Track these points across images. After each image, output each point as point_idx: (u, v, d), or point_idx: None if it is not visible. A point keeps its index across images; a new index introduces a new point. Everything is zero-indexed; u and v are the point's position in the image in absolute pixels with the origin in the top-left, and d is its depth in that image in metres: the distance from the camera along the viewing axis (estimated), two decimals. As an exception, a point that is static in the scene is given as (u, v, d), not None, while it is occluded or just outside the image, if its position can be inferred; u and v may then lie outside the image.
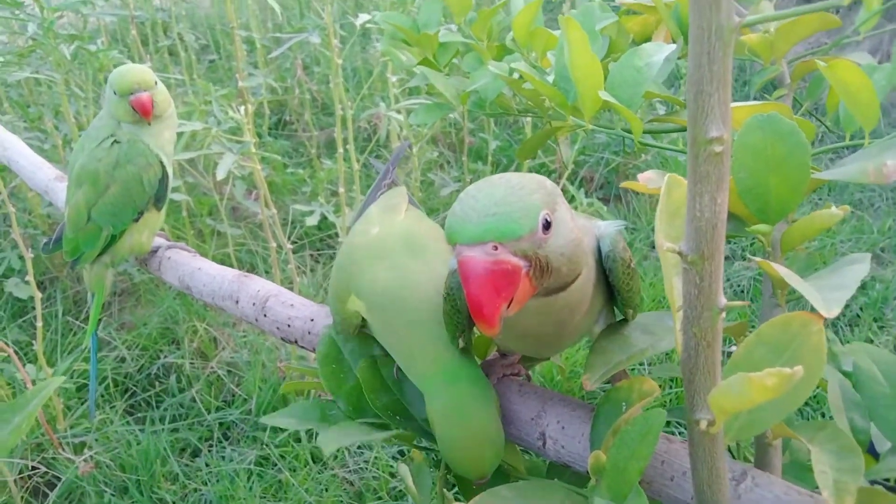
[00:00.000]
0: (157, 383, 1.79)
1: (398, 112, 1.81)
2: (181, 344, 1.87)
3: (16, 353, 1.47)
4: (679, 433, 1.41)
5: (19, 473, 1.51)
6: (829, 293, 0.45)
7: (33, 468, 1.53)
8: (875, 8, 0.69)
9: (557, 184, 1.48)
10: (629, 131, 0.68)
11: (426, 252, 0.69)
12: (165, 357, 1.85)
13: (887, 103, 2.56)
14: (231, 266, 1.13)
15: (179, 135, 1.50)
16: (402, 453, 1.58)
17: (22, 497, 1.48)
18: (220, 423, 1.68)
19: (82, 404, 1.69)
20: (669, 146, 0.77)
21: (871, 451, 0.57)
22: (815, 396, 1.57)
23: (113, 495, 1.50)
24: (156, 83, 1.00)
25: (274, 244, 1.65)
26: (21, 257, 1.86)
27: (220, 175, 1.40)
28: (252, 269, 2.07)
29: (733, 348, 0.85)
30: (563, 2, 2.38)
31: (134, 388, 1.78)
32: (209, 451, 1.61)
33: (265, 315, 0.85)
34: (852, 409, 0.57)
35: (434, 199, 2.30)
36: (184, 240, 2.06)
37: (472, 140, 2.51)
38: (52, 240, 1.12)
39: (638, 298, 0.60)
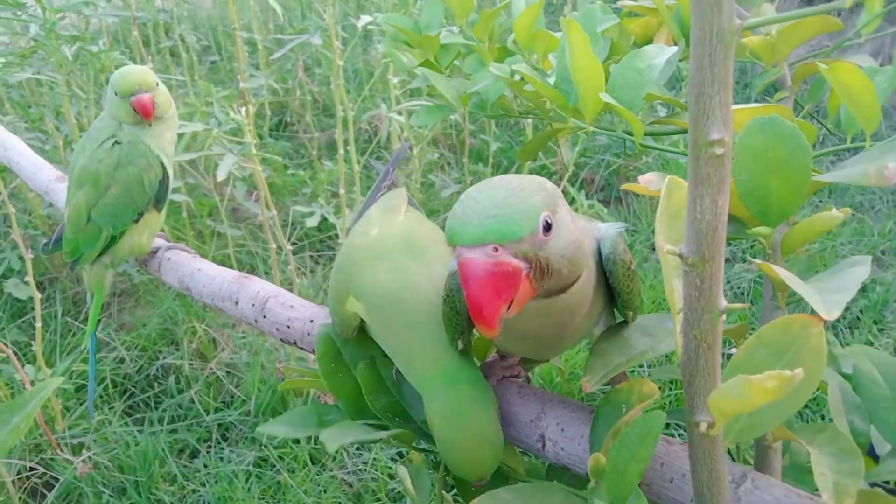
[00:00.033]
0: (155, 384, 1.79)
1: (399, 113, 1.81)
2: (180, 345, 1.87)
3: (15, 353, 1.47)
4: (679, 435, 1.41)
5: (17, 474, 1.51)
6: (829, 295, 0.44)
7: (31, 469, 1.53)
8: (877, 10, 0.69)
9: (558, 185, 1.48)
10: (630, 133, 0.68)
11: (426, 253, 0.69)
12: (164, 358, 1.85)
13: (889, 106, 2.56)
14: (231, 267, 1.12)
15: (180, 136, 1.50)
16: (400, 455, 1.58)
17: (20, 498, 1.48)
18: (219, 424, 1.68)
19: (81, 405, 1.69)
20: (670, 148, 0.77)
21: (871, 454, 0.57)
22: (815, 399, 1.57)
23: (111, 496, 1.49)
24: (157, 84, 1.00)
25: (274, 245, 1.65)
26: (21, 258, 1.86)
27: (221, 176, 1.40)
28: (252, 271, 2.07)
29: (733, 350, 0.85)
30: (564, 4, 2.38)
31: (133, 388, 1.78)
32: (208, 452, 1.61)
33: (264, 316, 0.85)
34: (852, 412, 0.57)
35: (435, 200, 2.30)
36: (184, 241, 2.06)
37: (473, 142, 2.51)
38: (51, 240, 1.12)
39: (638, 300, 0.60)
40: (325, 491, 1.49)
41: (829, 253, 2.08)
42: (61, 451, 1.55)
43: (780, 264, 0.59)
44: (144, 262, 1.12)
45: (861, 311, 1.91)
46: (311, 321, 0.81)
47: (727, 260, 2.09)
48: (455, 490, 0.69)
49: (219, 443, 1.63)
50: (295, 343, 0.82)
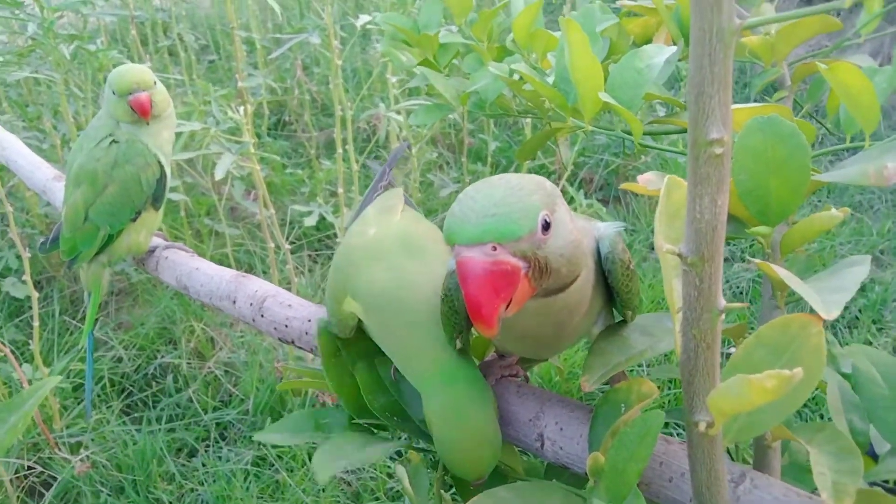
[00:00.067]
0: (153, 383, 1.79)
1: (398, 113, 1.81)
2: (178, 344, 1.87)
3: (12, 352, 1.47)
4: (678, 434, 1.41)
5: (15, 473, 1.51)
6: (828, 295, 0.44)
7: (29, 468, 1.53)
8: (876, 10, 0.69)
9: (557, 185, 1.48)
10: (629, 133, 0.68)
11: (423, 253, 0.69)
12: (162, 357, 1.84)
13: (888, 106, 2.56)
14: (229, 266, 1.12)
15: (178, 135, 1.50)
16: (399, 454, 1.58)
17: (18, 497, 1.47)
18: (217, 424, 1.67)
19: (79, 404, 1.68)
20: (669, 148, 0.77)
21: (871, 453, 0.57)
22: (814, 398, 1.57)
23: (109, 495, 1.49)
24: (155, 83, 1.00)
25: (272, 244, 1.65)
26: (18, 257, 1.86)
27: (219, 175, 1.40)
28: (250, 270, 2.07)
29: (732, 350, 0.85)
30: (563, 3, 2.38)
31: (131, 387, 1.78)
32: (206, 451, 1.61)
33: (262, 315, 0.85)
34: (851, 411, 0.57)
35: (433, 199, 2.30)
36: (182, 240, 2.06)
37: (472, 141, 2.51)
38: (48, 239, 1.11)
39: (637, 300, 0.60)
40: (323, 490, 1.49)
41: (828, 252, 2.09)
42: (59, 450, 1.55)
43: (779, 264, 0.59)
44: (142, 261, 1.12)
45: (860, 311, 1.91)
46: (309, 320, 0.81)
47: (726, 259, 2.10)
48: (454, 489, 0.69)
49: (217, 442, 1.63)
50: (293, 342, 0.82)
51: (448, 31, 0.89)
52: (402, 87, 2.02)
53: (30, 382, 1.50)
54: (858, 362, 0.58)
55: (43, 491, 1.51)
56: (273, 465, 1.55)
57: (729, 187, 0.38)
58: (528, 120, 2.04)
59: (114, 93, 0.99)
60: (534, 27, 0.79)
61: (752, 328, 0.49)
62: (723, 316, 0.42)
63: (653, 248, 2.11)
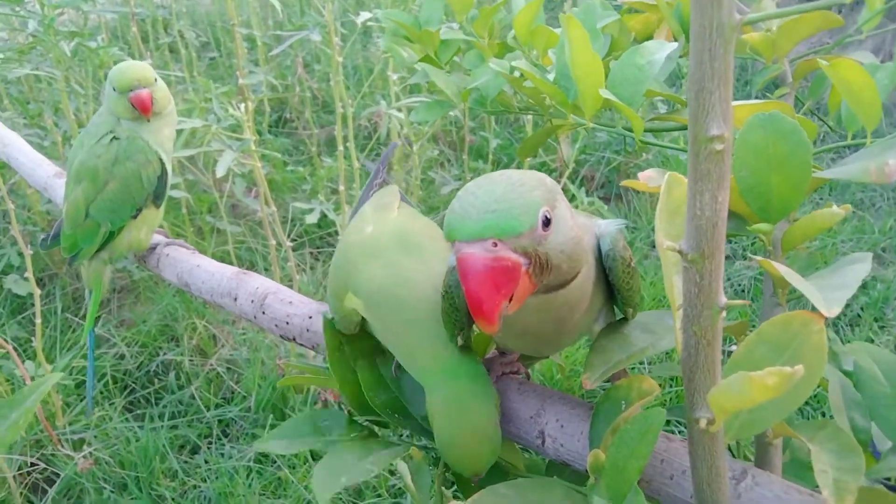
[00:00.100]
0: (156, 380, 1.79)
1: (399, 110, 1.80)
2: (180, 341, 1.87)
3: (15, 349, 1.47)
4: (679, 432, 1.41)
5: (18, 470, 1.51)
6: (830, 292, 0.44)
7: (32, 464, 1.53)
8: (877, 7, 0.69)
9: (558, 182, 1.48)
10: (630, 130, 0.68)
11: (421, 250, 0.69)
12: (164, 354, 1.85)
13: (889, 103, 2.56)
14: (231, 264, 1.12)
15: (179, 132, 1.50)
16: (401, 452, 1.58)
17: (21, 493, 1.48)
18: (220, 421, 1.68)
19: (81, 401, 1.69)
20: (670, 145, 0.77)
21: (872, 451, 0.57)
22: (815, 395, 1.57)
23: (112, 492, 1.50)
24: (155, 80, 1.00)
25: (273, 242, 1.65)
26: (20, 254, 1.86)
27: (220, 172, 1.40)
28: (251, 267, 2.07)
29: (733, 347, 0.85)
30: (564, 0, 2.37)
31: (133, 385, 1.78)
32: (208, 448, 1.61)
33: (263, 312, 0.85)
34: (853, 409, 0.57)
35: (434, 197, 2.30)
36: (183, 237, 2.06)
37: (473, 138, 2.51)
38: (49, 236, 1.11)
39: (638, 297, 0.60)
40: (324, 487, 1.49)
41: (829, 250, 2.08)
42: (62, 446, 1.55)
43: (780, 261, 0.59)
44: (143, 259, 1.12)
45: (862, 309, 1.91)
46: (310, 317, 0.81)
47: (727, 257, 2.09)
48: (455, 486, 0.69)
49: (219, 439, 1.63)
50: (294, 339, 0.82)
51: (449, 28, 0.89)
52: (403, 84, 2.02)
53: (32, 379, 1.50)
54: (860, 360, 0.58)
55: (46, 487, 1.52)
56: (275, 462, 1.55)
57: (730, 184, 0.38)
58: (530, 117, 2.04)
59: (115, 90, 0.99)
60: (535, 24, 0.79)
61: (754, 326, 0.49)
62: (724, 313, 0.42)
63: (654, 246, 2.11)
